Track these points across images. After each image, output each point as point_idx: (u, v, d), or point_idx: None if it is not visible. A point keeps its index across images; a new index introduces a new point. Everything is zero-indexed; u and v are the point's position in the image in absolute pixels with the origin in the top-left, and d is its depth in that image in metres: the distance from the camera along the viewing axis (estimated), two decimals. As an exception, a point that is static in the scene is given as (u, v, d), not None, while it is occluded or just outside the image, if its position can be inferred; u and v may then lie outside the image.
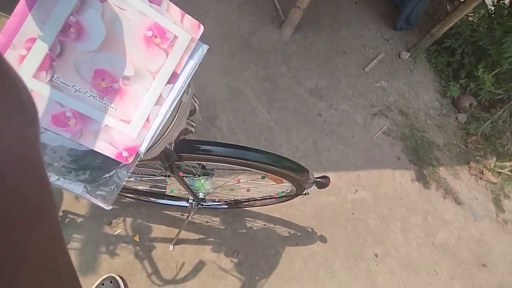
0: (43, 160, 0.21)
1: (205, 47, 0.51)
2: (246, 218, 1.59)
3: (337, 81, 2.33)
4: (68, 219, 1.30)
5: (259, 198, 1.32)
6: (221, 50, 2.03)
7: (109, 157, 0.39)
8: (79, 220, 1.31)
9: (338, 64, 2.42)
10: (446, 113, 2.73)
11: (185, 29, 0.45)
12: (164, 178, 1.17)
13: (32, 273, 0.20)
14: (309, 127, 2.02)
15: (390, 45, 2.80)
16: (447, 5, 3.46)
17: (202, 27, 0.46)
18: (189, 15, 0.46)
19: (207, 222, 1.51)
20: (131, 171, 0.41)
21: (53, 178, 0.40)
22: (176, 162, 0.78)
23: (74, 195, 1.32)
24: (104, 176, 0.41)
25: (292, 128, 1.96)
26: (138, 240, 1.36)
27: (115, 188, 0.41)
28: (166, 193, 1.34)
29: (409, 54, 2.77)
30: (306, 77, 2.22)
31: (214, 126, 1.75)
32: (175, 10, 0.44)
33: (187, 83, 0.45)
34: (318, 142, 1.99)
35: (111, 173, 0.41)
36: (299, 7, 2.08)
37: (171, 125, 0.47)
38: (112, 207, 0.41)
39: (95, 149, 0.38)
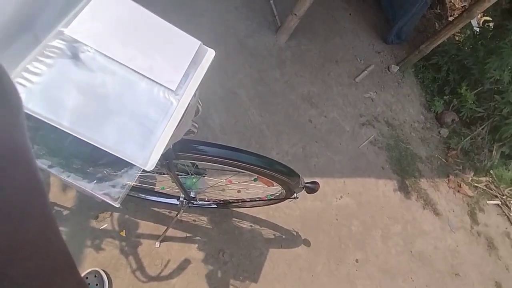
0: (29, 148, 0.21)
1: (211, 53, 0.53)
2: (233, 219, 1.61)
3: (328, 89, 2.39)
4: (54, 211, 1.28)
5: (248, 200, 1.34)
6: (217, 50, 2.02)
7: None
8: (65, 212, 1.30)
9: (330, 72, 2.48)
10: (430, 127, 2.84)
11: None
12: (156, 175, 1.17)
13: (26, 260, 0.20)
14: (299, 132, 2.07)
15: (381, 58, 2.89)
16: (436, 23, 3.60)
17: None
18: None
19: (194, 221, 1.52)
20: (141, 170, 0.43)
21: (64, 175, 0.42)
22: (173, 161, 0.79)
23: (61, 188, 1.31)
24: (115, 174, 0.42)
25: (283, 133, 2.00)
26: (124, 235, 1.36)
27: (125, 186, 0.43)
28: (157, 189, 1.34)
29: (398, 67, 2.87)
30: (299, 83, 2.27)
31: (206, 126, 1.76)
32: None
33: (196, 88, 0.47)
34: (307, 148, 2.04)
35: (122, 170, 0.43)
36: (296, 14, 2.12)
37: (178, 125, 0.49)
38: (120, 205, 0.43)
39: (111, 152, 0.40)
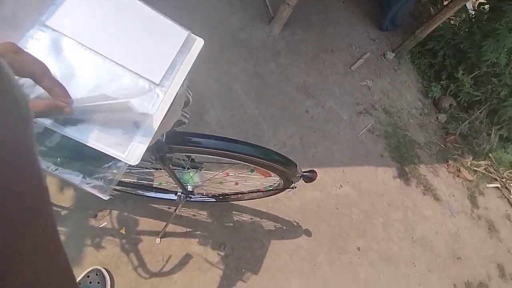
0: (37, 157, 0.21)
1: (200, 42, 0.51)
2: (233, 212, 1.61)
3: (324, 79, 2.37)
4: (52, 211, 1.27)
5: (247, 192, 1.34)
6: (210, 44, 2.02)
7: None
8: (63, 212, 1.29)
9: (325, 62, 2.46)
10: (428, 113, 2.83)
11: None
12: (153, 170, 1.17)
13: (26, 271, 0.20)
14: (297, 123, 2.06)
15: (376, 45, 2.87)
16: (431, 8, 3.56)
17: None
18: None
19: (194, 215, 1.52)
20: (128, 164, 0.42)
21: (51, 168, 0.41)
22: (167, 154, 0.78)
23: (59, 187, 1.30)
24: (102, 167, 0.41)
25: (279, 124, 1.99)
26: (124, 232, 1.36)
27: (113, 179, 0.42)
28: (154, 185, 1.33)
29: (394, 54, 2.85)
30: (294, 74, 2.25)
31: (203, 121, 1.75)
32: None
33: (185, 76, 0.46)
34: (305, 138, 2.03)
35: (109, 163, 0.42)
36: (288, 4, 2.09)
37: (166, 115, 0.48)
38: (109, 197, 0.42)
39: (94, 147, 0.39)
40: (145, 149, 0.42)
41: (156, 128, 0.43)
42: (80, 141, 0.38)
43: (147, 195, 1.35)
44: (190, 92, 0.59)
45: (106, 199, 0.42)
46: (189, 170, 1.08)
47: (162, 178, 1.28)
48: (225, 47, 2.07)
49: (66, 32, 0.43)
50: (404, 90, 2.79)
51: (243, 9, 2.27)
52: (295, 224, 1.74)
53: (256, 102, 1.98)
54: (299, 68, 2.29)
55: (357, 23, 2.88)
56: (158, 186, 1.32)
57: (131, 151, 0.41)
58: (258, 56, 2.17)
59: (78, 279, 1.19)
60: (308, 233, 1.74)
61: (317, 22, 2.61)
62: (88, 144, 0.38)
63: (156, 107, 0.44)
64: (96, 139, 0.39)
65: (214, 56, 1.99)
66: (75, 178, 0.41)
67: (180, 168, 1.06)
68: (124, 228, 1.36)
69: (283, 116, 2.03)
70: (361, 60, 2.64)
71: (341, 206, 1.92)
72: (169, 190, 1.32)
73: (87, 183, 0.42)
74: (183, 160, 1.01)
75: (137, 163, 0.40)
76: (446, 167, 2.64)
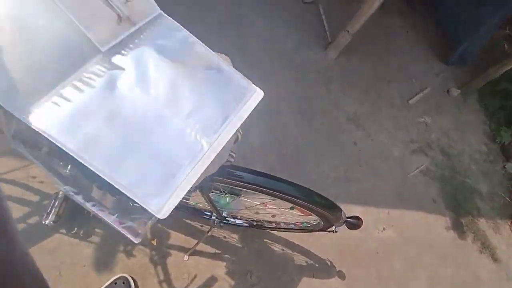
0: None
1: (259, 93, 0.49)
2: (265, 240, 1.55)
3: (377, 110, 2.24)
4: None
5: (283, 224, 1.27)
6: (263, 65, 2.02)
7: None
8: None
9: (381, 93, 2.33)
10: (493, 160, 2.52)
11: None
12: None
13: None
14: (343, 154, 1.95)
15: (439, 80, 2.66)
16: (505, 45, 3.24)
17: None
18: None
19: (225, 237, 1.48)
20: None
21: (89, 204, 0.40)
22: (207, 182, 0.76)
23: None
24: (140, 207, 0.39)
25: (324, 154, 1.90)
26: (155, 244, 1.36)
27: (147, 220, 0.39)
28: (189, 204, 1.33)
29: (459, 91, 2.61)
30: (346, 103, 2.16)
31: (246, 143, 1.73)
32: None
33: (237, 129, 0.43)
34: (350, 172, 1.91)
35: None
36: (348, 31, 2.03)
37: (214, 158, 0.45)
38: (140, 240, 0.39)
39: (123, 191, 0.37)
40: (177, 203, 0.39)
41: (193, 182, 0.40)
42: (111, 182, 0.37)
43: (182, 210, 1.35)
44: (240, 130, 0.56)
45: (136, 242, 0.40)
46: (227, 196, 1.05)
47: (198, 198, 1.27)
48: (277, 67, 2.05)
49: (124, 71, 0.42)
50: (468, 132, 2.53)
51: (300, 31, 2.25)
52: (329, 263, 1.62)
53: (302, 127, 1.92)
54: (351, 97, 2.20)
55: (419, 55, 2.71)
56: (193, 206, 1.31)
57: (161, 203, 0.38)
58: (309, 80, 2.12)
59: (105, 285, 1.21)
60: (341, 275, 1.61)
61: (376, 50, 2.50)
62: (118, 187, 0.36)
63: (198, 159, 0.41)
64: (127, 184, 0.37)
65: (264, 76, 1.98)
66: (109, 217, 0.40)
67: (218, 192, 1.04)
68: (156, 239, 1.37)
69: (328, 145, 1.94)
70: (421, 94, 2.46)
71: (382, 251, 1.76)
72: (204, 211, 1.30)
73: (120, 224, 0.40)
74: (223, 186, 0.99)
75: (165, 217, 0.38)
76: (510, 224, 2.32)
